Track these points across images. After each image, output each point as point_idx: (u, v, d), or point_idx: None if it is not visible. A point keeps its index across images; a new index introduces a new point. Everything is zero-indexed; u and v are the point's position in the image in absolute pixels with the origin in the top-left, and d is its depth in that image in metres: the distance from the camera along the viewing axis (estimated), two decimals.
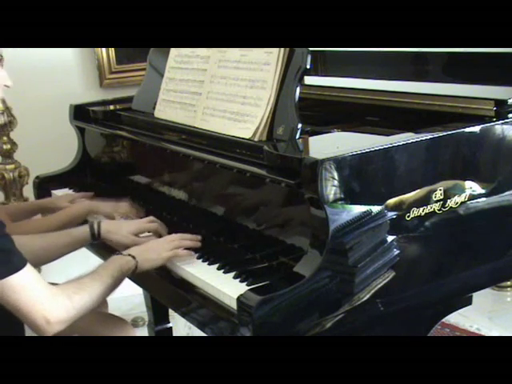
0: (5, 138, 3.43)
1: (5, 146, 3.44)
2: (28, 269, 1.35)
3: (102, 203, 1.98)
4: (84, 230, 1.70)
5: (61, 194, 2.30)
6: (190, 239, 1.65)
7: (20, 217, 2.09)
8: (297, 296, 1.30)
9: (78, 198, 2.15)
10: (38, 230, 1.74)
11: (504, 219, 1.60)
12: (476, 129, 1.53)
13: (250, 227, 1.63)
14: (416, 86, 1.99)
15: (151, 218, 1.79)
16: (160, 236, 1.72)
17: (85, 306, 1.42)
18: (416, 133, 1.48)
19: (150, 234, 1.75)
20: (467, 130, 1.52)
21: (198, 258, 1.62)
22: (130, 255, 1.56)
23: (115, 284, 1.50)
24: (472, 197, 1.51)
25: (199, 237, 1.66)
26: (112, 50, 3.84)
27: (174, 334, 2.60)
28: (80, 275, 1.49)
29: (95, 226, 1.69)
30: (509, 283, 3.05)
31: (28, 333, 1.51)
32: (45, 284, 1.37)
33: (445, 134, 1.48)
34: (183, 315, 1.59)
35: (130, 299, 3.09)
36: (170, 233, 1.76)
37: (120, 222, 1.77)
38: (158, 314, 2.48)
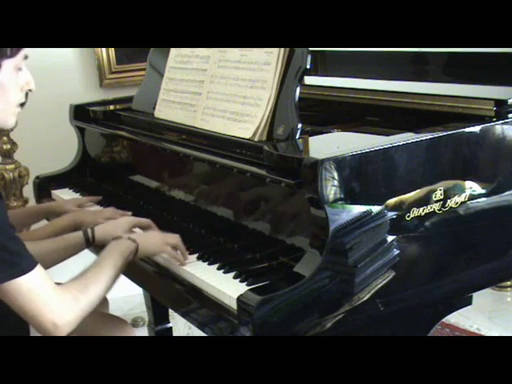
0: (5, 138, 3.43)
1: (5, 146, 3.44)
2: (37, 272, 1.33)
3: (86, 212, 1.97)
4: (78, 235, 1.69)
5: (60, 193, 2.30)
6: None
7: (27, 221, 2.08)
8: (297, 296, 1.30)
9: (85, 202, 2.13)
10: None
11: (504, 219, 1.60)
12: (476, 129, 1.53)
13: (250, 227, 1.63)
14: (416, 85, 1.99)
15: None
16: None
17: (91, 303, 1.42)
18: (416, 133, 1.48)
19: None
20: (467, 129, 1.52)
21: (198, 258, 1.62)
22: (130, 239, 1.57)
23: (118, 273, 1.51)
24: (472, 197, 1.51)
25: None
26: (112, 50, 3.84)
27: (174, 334, 2.60)
28: (83, 269, 1.48)
29: (89, 232, 1.68)
30: (509, 283, 3.05)
31: (33, 333, 1.50)
32: (53, 287, 1.36)
33: (445, 134, 1.48)
34: (183, 315, 1.59)
35: (129, 299, 3.09)
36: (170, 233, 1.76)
37: (112, 222, 1.76)
38: (158, 314, 2.48)
